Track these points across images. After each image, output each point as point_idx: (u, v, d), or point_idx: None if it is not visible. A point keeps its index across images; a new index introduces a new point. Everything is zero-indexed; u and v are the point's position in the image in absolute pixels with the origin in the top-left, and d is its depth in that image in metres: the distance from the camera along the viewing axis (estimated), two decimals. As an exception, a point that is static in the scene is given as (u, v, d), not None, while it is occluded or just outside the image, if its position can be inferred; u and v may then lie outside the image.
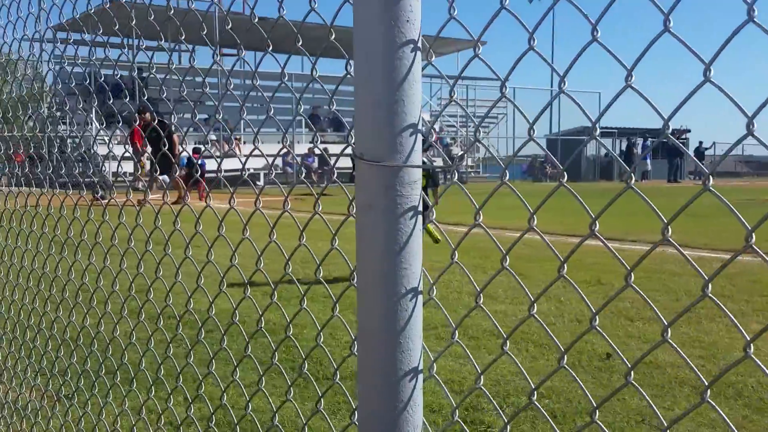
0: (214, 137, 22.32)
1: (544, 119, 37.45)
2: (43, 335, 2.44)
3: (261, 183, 21.34)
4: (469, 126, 33.64)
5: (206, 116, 23.21)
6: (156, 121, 11.99)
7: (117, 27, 2.10)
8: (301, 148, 27.21)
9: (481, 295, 1.20)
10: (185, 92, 2.01)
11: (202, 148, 16.54)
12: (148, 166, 14.40)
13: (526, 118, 1.24)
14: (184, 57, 27.58)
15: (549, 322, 5.14)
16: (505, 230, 8.81)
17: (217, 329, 4.51)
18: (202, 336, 1.72)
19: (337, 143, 27.96)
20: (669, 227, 0.93)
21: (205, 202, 1.74)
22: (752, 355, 0.85)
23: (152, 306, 2.00)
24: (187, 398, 2.86)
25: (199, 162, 17.49)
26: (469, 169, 32.92)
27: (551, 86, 37.61)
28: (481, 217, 1.17)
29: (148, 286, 1.85)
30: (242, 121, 24.62)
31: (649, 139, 33.54)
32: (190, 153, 18.12)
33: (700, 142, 35.07)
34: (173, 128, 14.10)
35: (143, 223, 1.92)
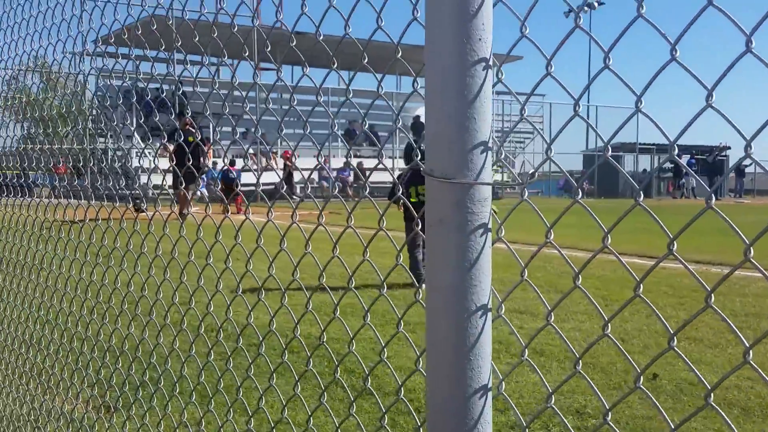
0: (252, 151, 22.50)
1: (581, 134, 37.14)
2: (101, 346, 2.48)
3: (297, 196, 21.48)
4: (507, 141, 33.45)
5: (244, 130, 23.42)
6: (190, 127, 12.13)
7: (163, 47, 2.14)
8: (337, 162, 27.34)
9: (552, 314, 1.19)
10: (227, 111, 2.04)
11: (237, 161, 16.70)
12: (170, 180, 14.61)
13: (544, 138, 1.24)
14: (223, 71, 27.92)
15: (593, 341, 5.09)
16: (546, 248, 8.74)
17: (272, 343, 4.56)
18: (263, 350, 1.74)
19: (372, 157, 28.05)
20: (675, 243, 1.01)
21: (244, 215, 1.77)
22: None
23: (212, 319, 2.03)
24: (246, 411, 2.90)
25: (232, 175, 17.66)
26: (505, 186, 32.76)
27: (588, 102, 37.38)
28: (552, 235, 1.17)
29: (208, 300, 1.88)
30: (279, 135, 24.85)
31: (695, 156, 33.13)
32: (227, 166, 18.31)
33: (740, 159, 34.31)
34: (208, 139, 14.20)
35: (186, 236, 1.96)
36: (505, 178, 32.47)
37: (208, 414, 2.06)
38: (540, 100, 33.55)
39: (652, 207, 1.05)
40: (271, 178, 21.20)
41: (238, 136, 2.22)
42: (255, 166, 21.30)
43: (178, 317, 2.14)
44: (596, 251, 1.10)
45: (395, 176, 1.84)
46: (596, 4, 37.03)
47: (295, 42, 1.66)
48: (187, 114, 11.12)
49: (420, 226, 1.30)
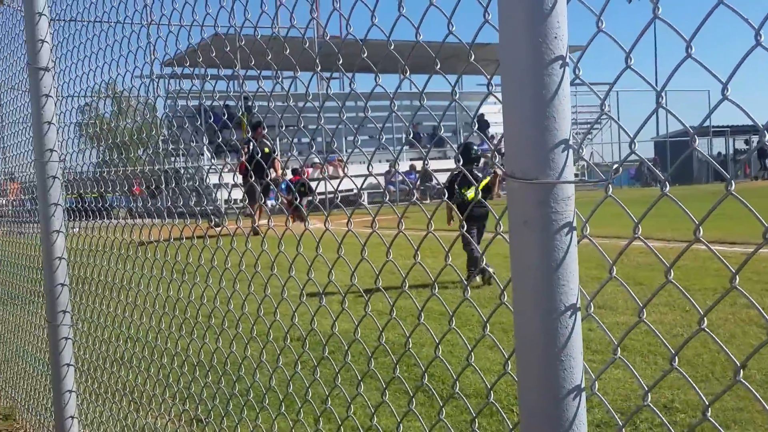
0: (317, 160, 22.75)
1: (651, 121, 36.27)
2: (190, 361, 2.55)
3: (365, 202, 21.61)
4: (574, 133, 32.92)
5: (308, 139, 23.71)
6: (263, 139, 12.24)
7: (237, 64, 2.19)
8: (402, 166, 27.38)
9: (644, 310, 1.17)
10: (301, 123, 2.07)
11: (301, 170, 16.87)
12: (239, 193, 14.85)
13: (626, 132, 1.21)
14: (295, 84, 28.25)
15: (676, 333, 4.96)
16: (619, 239, 8.58)
17: (338, 350, 4.61)
18: (326, 353, 1.76)
19: (437, 159, 28.00)
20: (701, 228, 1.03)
21: (305, 225, 1.79)
22: None
23: (279, 326, 2.06)
24: (335, 419, 2.93)
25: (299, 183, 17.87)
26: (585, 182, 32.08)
27: (656, 98, 36.39)
28: (640, 230, 1.15)
29: (293, 311, 1.91)
30: (344, 142, 25.16)
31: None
32: (290, 176, 18.52)
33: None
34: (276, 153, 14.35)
35: (266, 249, 1.99)
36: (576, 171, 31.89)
37: (297, 424, 2.09)
38: (606, 90, 32.84)
39: (737, 191, 1.02)
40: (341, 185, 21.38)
41: (298, 141, 2.26)
42: (321, 175, 21.52)
43: (263, 329, 2.18)
44: (690, 243, 1.07)
45: (449, 178, 1.86)
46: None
47: (366, 53, 1.68)
48: (262, 125, 11.27)
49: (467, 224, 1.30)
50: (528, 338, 1.17)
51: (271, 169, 12.84)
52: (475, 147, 7.22)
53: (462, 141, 28.85)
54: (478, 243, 6.95)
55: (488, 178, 7.25)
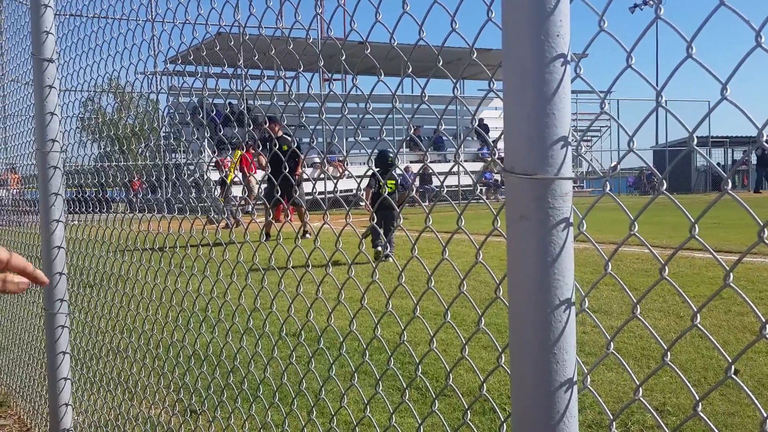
0: (317, 160, 22.78)
1: (650, 130, 36.41)
2: (185, 352, 2.56)
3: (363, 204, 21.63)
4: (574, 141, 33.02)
5: (311, 140, 23.73)
6: (282, 134, 12.13)
7: (240, 60, 2.21)
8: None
9: (638, 306, 1.19)
10: (304, 118, 2.08)
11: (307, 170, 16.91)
12: (256, 190, 14.82)
13: (626, 131, 1.23)
14: (287, 83, 28.37)
15: (670, 338, 4.98)
16: (613, 244, 8.62)
17: (333, 345, 4.63)
18: (344, 350, 1.78)
19: (437, 162, 28.05)
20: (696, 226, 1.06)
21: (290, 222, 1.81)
22: None
23: (276, 320, 2.08)
24: (328, 411, 2.95)
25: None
26: (573, 184, 32.19)
27: (656, 97, 36.41)
28: (636, 227, 1.17)
29: (289, 304, 1.93)
30: (344, 143, 25.18)
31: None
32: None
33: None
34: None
35: (267, 244, 2.01)
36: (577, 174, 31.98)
37: (290, 415, 2.10)
38: (608, 98, 32.98)
39: (726, 201, 1.04)
40: (344, 185, 21.41)
41: (301, 141, 2.27)
42: (321, 175, 21.54)
43: (260, 322, 2.19)
44: (684, 241, 1.09)
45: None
46: (662, -4, 36.15)
47: (369, 50, 1.70)
48: (276, 119, 11.16)
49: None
50: (522, 331, 1.19)
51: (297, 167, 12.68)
52: (391, 155, 9.39)
53: (461, 144, 28.87)
54: (389, 229, 9.13)
55: (394, 181, 9.86)
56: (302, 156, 13.62)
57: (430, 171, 22.66)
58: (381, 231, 8.78)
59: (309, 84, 2.21)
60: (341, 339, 1.79)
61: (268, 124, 10.44)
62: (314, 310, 1.75)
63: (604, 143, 35.87)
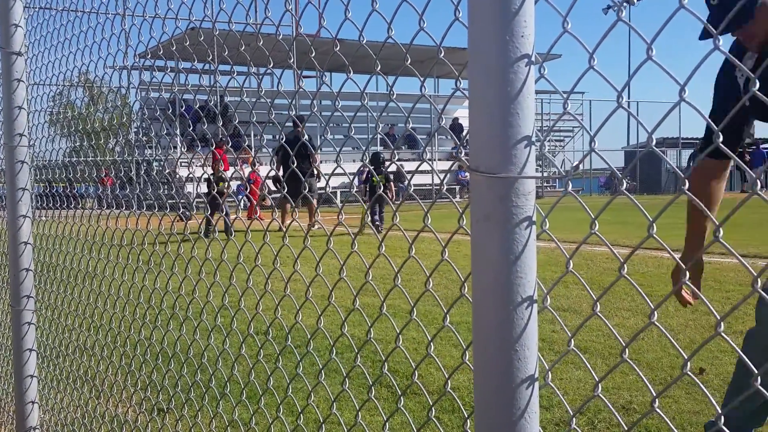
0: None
1: (622, 131, 36.80)
2: (153, 349, 2.55)
3: (337, 201, 21.64)
4: (546, 140, 33.44)
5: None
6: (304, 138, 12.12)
7: (210, 57, 2.20)
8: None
9: (597, 304, 1.21)
10: (273, 115, 2.08)
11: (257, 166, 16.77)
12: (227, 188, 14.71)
13: (587, 130, 1.26)
14: (264, 80, 28.25)
15: (638, 337, 5.04)
16: (585, 244, 8.69)
17: (317, 345, 4.65)
18: (311, 348, 1.78)
19: (412, 160, 28.09)
20: (654, 225, 1.07)
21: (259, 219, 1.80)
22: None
23: (262, 320, 2.07)
24: (295, 409, 2.95)
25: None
26: (545, 184, 32.52)
27: (629, 97, 36.82)
28: (597, 226, 1.19)
29: (257, 301, 1.92)
30: (319, 142, 25.10)
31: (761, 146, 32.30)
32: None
33: None
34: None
35: (234, 239, 2.00)
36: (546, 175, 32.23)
37: (258, 412, 2.10)
38: (580, 98, 33.37)
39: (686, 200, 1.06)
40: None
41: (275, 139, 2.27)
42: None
43: (228, 320, 2.19)
44: (642, 240, 1.11)
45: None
46: (635, 0, 36.50)
47: (339, 47, 1.70)
48: (303, 123, 11.12)
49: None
50: (485, 328, 1.20)
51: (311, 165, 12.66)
52: (382, 155, 12.60)
53: (436, 143, 29.11)
54: (381, 210, 13.91)
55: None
56: (317, 153, 14.30)
57: (403, 169, 22.65)
58: (377, 210, 13.97)
59: (279, 81, 2.21)
60: (309, 336, 1.79)
61: (298, 126, 10.49)
62: (283, 307, 1.75)
63: (576, 143, 36.09)
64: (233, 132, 20.22)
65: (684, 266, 1.12)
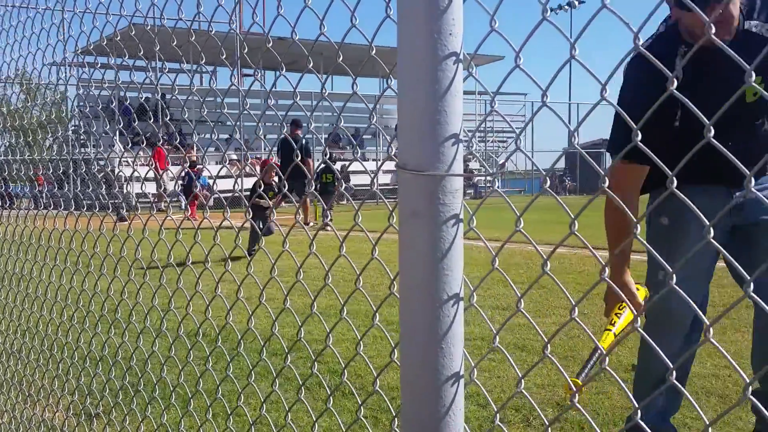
0: (234, 156, 22.46)
1: (563, 131, 37.49)
2: (81, 353, 2.48)
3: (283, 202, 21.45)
4: (487, 141, 33.95)
5: (227, 136, 23.38)
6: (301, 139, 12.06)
7: (141, 52, 2.15)
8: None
9: (522, 301, 1.21)
10: (205, 112, 2.04)
11: (198, 165, 16.57)
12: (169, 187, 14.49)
13: (514, 130, 1.27)
14: (205, 78, 27.88)
15: (573, 335, 5.13)
16: (523, 243, 8.81)
17: (255, 346, 4.58)
18: (242, 348, 1.75)
19: (356, 160, 28.03)
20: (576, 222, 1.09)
21: (195, 218, 1.78)
22: None
23: (192, 322, 2.04)
24: (226, 412, 2.91)
25: (200, 180, 17.67)
26: (487, 183, 32.85)
27: (569, 99, 37.54)
28: (522, 223, 1.20)
29: (187, 302, 1.89)
30: (263, 142, 24.92)
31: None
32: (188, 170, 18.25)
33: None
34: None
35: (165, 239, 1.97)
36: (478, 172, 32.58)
37: (187, 416, 2.06)
38: (522, 99, 33.89)
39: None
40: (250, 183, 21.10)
41: (217, 138, 2.23)
42: (237, 172, 21.20)
43: (158, 321, 2.14)
44: (564, 237, 1.12)
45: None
46: (577, 3, 37.14)
47: (271, 43, 1.68)
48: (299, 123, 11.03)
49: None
50: (411, 326, 1.20)
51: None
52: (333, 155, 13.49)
53: (380, 143, 29.16)
54: (329, 206, 12.60)
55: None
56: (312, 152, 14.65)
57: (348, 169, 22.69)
58: (328, 205, 11.83)
59: (211, 77, 2.18)
60: (239, 337, 1.76)
61: (294, 128, 10.45)
62: (213, 308, 1.72)
63: (521, 145, 36.51)
64: (175, 130, 19.93)
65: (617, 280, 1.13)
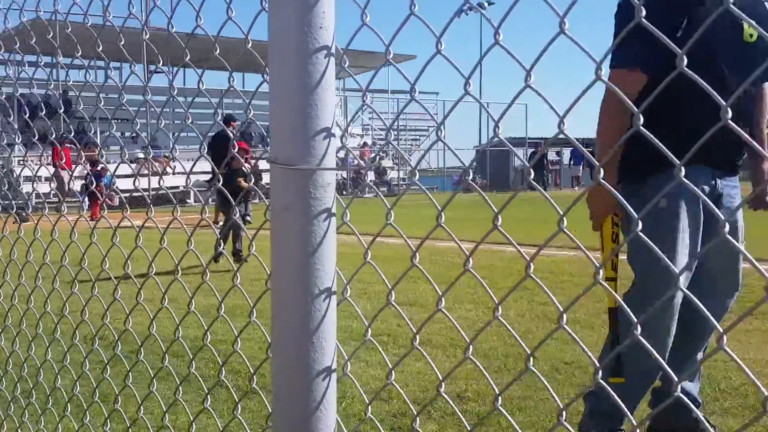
0: (142, 155, 21.86)
1: (474, 130, 38.17)
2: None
3: (191, 201, 21.02)
4: (401, 139, 34.23)
5: (134, 134, 22.77)
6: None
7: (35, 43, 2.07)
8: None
9: (443, 299, 1.23)
10: (102, 103, 1.97)
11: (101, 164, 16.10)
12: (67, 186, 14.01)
13: (437, 129, 1.28)
14: (106, 73, 26.93)
15: (477, 329, 5.22)
16: (435, 240, 8.93)
17: (156, 349, 4.43)
18: (119, 349, 1.71)
19: (263, 159, 27.73)
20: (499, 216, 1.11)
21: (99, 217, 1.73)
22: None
23: (88, 327, 1.97)
24: (125, 420, 2.81)
25: (104, 180, 17.23)
26: (401, 181, 33.12)
27: (480, 98, 38.07)
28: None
29: (83, 306, 1.82)
30: (171, 140, 24.33)
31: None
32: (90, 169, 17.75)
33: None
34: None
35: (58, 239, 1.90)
36: (402, 175, 32.83)
37: (83, 426, 1.99)
38: (434, 98, 34.28)
39: (532, 197, 1.10)
40: (169, 182, 20.58)
41: (123, 136, 2.17)
42: (146, 171, 20.68)
43: (51, 327, 2.06)
44: (486, 233, 1.12)
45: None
46: (486, 4, 37.78)
47: (148, 35, 1.64)
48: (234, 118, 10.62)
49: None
50: (283, 320, 1.19)
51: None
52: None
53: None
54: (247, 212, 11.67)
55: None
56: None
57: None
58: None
59: (106, 74, 2.11)
60: (140, 343, 1.72)
61: (230, 124, 10.04)
62: (111, 312, 1.67)
63: (431, 142, 37.07)
64: (77, 128, 19.24)
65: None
